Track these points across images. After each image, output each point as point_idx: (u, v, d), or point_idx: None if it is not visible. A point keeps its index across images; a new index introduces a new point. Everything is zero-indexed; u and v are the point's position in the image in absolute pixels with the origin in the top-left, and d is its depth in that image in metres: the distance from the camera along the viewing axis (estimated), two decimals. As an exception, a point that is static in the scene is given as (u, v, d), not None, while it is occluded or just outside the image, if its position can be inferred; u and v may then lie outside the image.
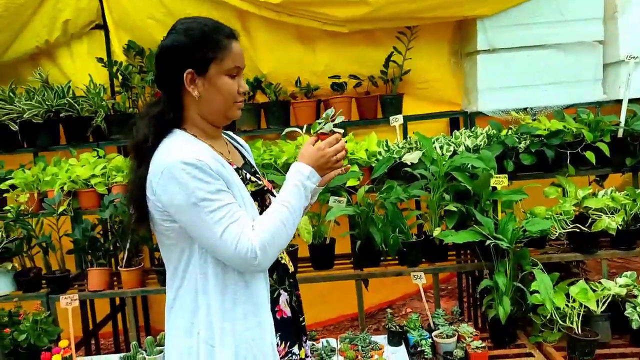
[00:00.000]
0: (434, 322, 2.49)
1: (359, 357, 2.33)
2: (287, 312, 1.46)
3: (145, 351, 2.44)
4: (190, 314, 1.35)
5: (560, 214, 2.57)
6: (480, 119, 3.15)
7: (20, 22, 3.14)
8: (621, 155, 2.71)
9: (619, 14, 3.03)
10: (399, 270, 2.63)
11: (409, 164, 2.67)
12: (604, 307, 2.34)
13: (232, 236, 1.27)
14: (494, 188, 2.54)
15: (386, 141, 2.86)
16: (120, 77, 3.22)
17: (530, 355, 2.33)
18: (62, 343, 2.44)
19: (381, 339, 2.53)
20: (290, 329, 1.46)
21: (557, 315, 2.31)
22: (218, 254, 1.31)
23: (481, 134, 2.81)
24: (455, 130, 2.97)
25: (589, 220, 2.53)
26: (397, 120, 2.96)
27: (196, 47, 1.32)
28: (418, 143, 2.80)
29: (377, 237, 2.52)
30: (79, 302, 2.54)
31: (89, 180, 2.81)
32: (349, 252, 2.83)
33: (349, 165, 1.56)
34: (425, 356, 2.24)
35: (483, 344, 2.24)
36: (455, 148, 2.76)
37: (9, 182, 2.87)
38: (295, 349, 1.47)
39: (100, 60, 3.23)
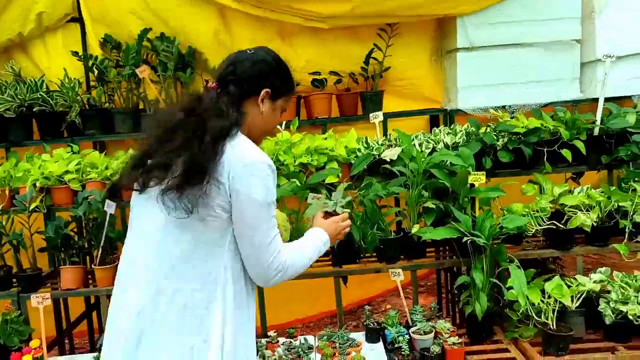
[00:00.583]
0: (411, 319, 2.49)
1: (337, 354, 2.32)
2: None
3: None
4: (204, 311, 1.39)
5: (537, 211, 2.59)
6: (460, 117, 3.17)
7: (-8, 14, 3.06)
8: (597, 153, 2.74)
9: (596, 14, 3.07)
10: (378, 267, 2.62)
11: (388, 160, 2.66)
12: (578, 303, 2.37)
13: (276, 246, 1.44)
14: (472, 185, 2.55)
15: (366, 138, 2.85)
16: (96, 72, 3.16)
17: (506, 350, 2.35)
18: (34, 343, 2.38)
19: (359, 336, 2.52)
20: None
21: (532, 311, 2.33)
22: (253, 258, 1.43)
23: (460, 131, 2.82)
24: (435, 128, 2.98)
25: (565, 217, 2.56)
26: (377, 117, 2.95)
27: (283, 77, 1.59)
28: (397, 140, 2.80)
29: (356, 234, 2.52)
30: (51, 301, 2.48)
31: (62, 177, 2.75)
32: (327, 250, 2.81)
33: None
34: (403, 352, 2.24)
35: (460, 340, 2.25)
36: (435, 145, 2.77)
37: (-21, 178, 2.79)
38: None
39: (75, 54, 3.17)
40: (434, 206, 2.54)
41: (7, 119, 3.01)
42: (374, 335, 2.47)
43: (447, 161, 2.59)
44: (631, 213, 2.55)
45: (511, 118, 2.94)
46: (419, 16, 3.15)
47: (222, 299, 1.40)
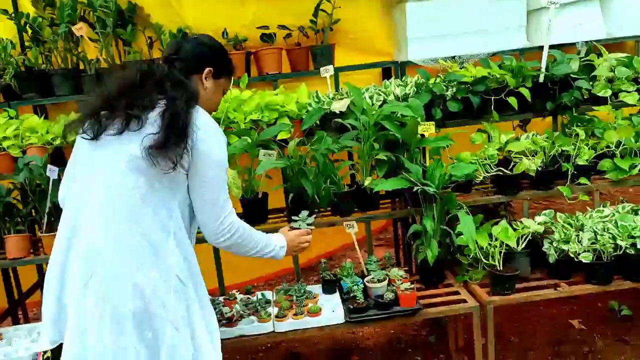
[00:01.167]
0: (367, 269, 2.54)
1: (294, 307, 2.36)
2: None
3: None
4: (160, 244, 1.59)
5: (485, 159, 2.65)
6: (411, 69, 3.16)
7: None
8: (542, 100, 2.80)
9: (541, -40, 3.07)
10: (332, 220, 2.65)
11: (338, 113, 2.65)
12: (524, 245, 2.47)
13: (228, 206, 1.70)
14: (422, 136, 2.58)
15: (317, 92, 2.82)
16: (29, 31, 2.97)
17: (456, 293, 2.44)
18: (-18, 314, 2.32)
19: (316, 289, 2.57)
20: None
21: (481, 255, 2.42)
22: (208, 214, 1.66)
23: (410, 83, 2.82)
24: (385, 80, 2.97)
25: (512, 164, 2.63)
26: (327, 71, 2.91)
27: (224, 59, 1.83)
28: (349, 94, 2.78)
29: (309, 188, 2.52)
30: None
31: (0, 143, 2.62)
32: (283, 206, 2.82)
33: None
34: (358, 301, 2.30)
35: (412, 286, 2.32)
36: (385, 97, 2.76)
37: None
38: None
39: (5, 12, 2.96)
40: (385, 158, 2.56)
41: None
42: (330, 286, 2.52)
43: (397, 113, 2.59)
44: (574, 157, 2.64)
45: (460, 68, 2.96)
46: (368, -34, 3.08)
47: (174, 243, 1.60)
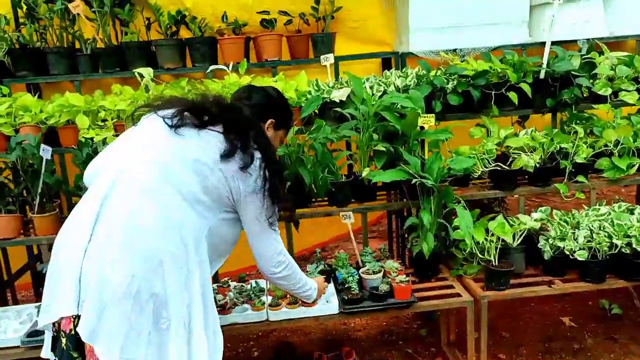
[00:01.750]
0: (362, 260, 2.53)
1: (287, 296, 2.33)
2: None
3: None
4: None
5: (484, 153, 2.64)
6: (412, 60, 3.14)
7: None
8: (542, 96, 2.79)
9: (546, -44, 3.05)
10: (329, 210, 2.63)
11: (338, 102, 2.62)
12: (519, 240, 2.47)
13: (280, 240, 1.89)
14: (422, 128, 2.56)
15: (316, 80, 2.78)
16: (24, 7, 2.90)
17: (451, 287, 2.44)
18: (-29, 294, 2.28)
19: (310, 278, 2.55)
20: None
21: (476, 249, 2.42)
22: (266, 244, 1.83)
23: (411, 74, 2.80)
24: (386, 70, 2.94)
25: (510, 159, 2.62)
26: (328, 60, 2.88)
27: (287, 113, 2.02)
28: (349, 83, 2.75)
29: (307, 177, 2.49)
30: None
31: (-8, 121, 2.57)
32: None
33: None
34: (352, 292, 2.29)
35: (407, 278, 2.31)
36: (386, 88, 2.74)
37: None
38: None
39: (-1, -14, 2.89)
40: (384, 149, 2.54)
41: None
42: (325, 276, 2.50)
43: (397, 104, 2.57)
44: (572, 154, 2.64)
45: (462, 61, 2.94)
46: (372, -46, 3.04)
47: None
